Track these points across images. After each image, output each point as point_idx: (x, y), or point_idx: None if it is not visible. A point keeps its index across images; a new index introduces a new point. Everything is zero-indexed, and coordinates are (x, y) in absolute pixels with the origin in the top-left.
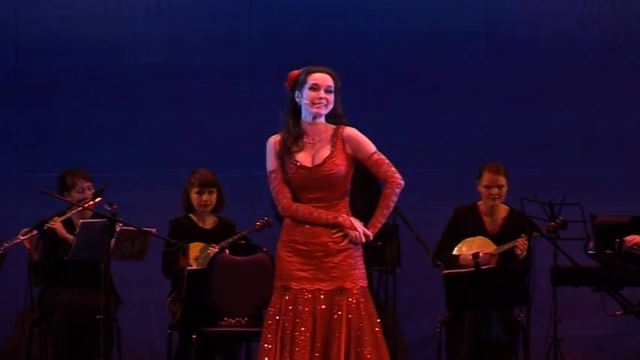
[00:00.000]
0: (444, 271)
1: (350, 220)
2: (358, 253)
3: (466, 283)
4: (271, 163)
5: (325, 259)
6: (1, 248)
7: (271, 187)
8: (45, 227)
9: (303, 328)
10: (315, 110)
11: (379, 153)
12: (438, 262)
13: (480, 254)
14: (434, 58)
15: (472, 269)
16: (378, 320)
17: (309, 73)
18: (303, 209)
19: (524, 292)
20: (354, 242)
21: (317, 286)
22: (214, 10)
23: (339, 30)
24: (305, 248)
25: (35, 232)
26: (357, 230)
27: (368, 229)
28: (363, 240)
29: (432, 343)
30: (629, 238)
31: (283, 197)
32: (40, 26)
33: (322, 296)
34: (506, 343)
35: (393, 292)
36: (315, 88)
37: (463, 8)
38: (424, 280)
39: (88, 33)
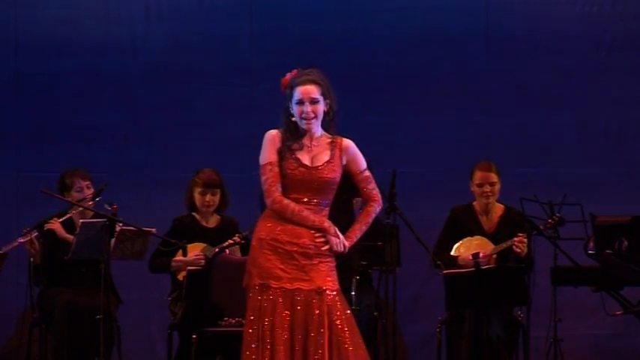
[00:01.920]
0: (444, 271)
1: (334, 228)
2: (332, 260)
3: (466, 283)
4: (269, 154)
5: (304, 261)
6: (1, 250)
7: (264, 178)
8: (44, 228)
9: (281, 330)
10: (305, 126)
11: (369, 171)
12: (439, 263)
13: (480, 254)
14: (434, 58)
15: (472, 269)
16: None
17: (293, 86)
18: (293, 206)
19: (524, 292)
20: (333, 250)
21: (296, 286)
22: (214, 10)
23: (339, 30)
24: (286, 248)
25: (35, 233)
26: (339, 238)
27: (345, 239)
28: (341, 249)
29: (432, 343)
30: None
31: (276, 190)
32: (40, 26)
33: (301, 296)
34: (506, 343)
35: (393, 292)
36: (300, 102)
37: (463, 8)
38: (424, 280)
39: (88, 33)
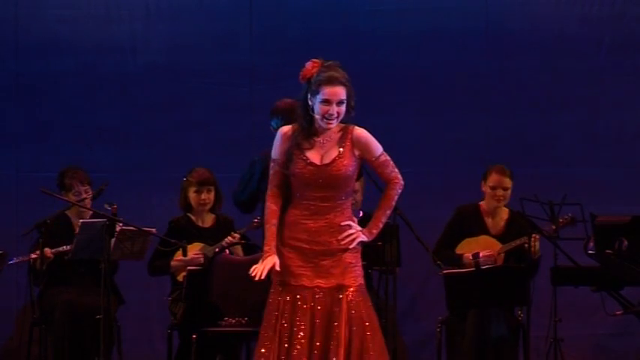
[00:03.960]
0: (445, 271)
1: (268, 254)
2: (357, 251)
3: (466, 283)
4: (276, 152)
5: (324, 258)
6: (12, 261)
7: (269, 173)
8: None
9: (301, 326)
10: (326, 124)
11: (385, 154)
12: (438, 262)
13: (480, 254)
14: (434, 58)
15: (472, 269)
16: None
17: (321, 84)
18: (268, 213)
19: (524, 292)
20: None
21: (316, 284)
22: (214, 10)
23: (339, 30)
24: (307, 247)
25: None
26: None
27: (371, 228)
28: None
29: (432, 343)
30: None
31: (272, 187)
32: (40, 26)
33: (321, 294)
34: (507, 343)
35: (393, 292)
36: (327, 102)
37: (463, 8)
38: (424, 280)
39: (88, 33)
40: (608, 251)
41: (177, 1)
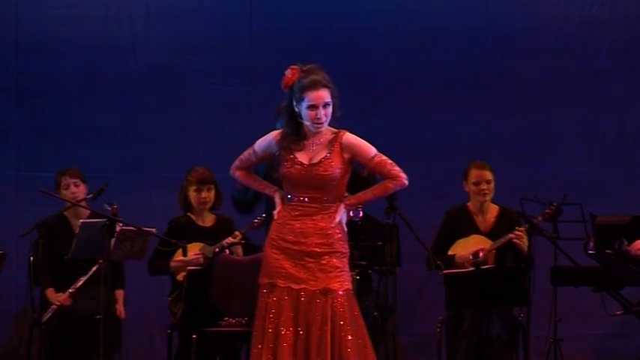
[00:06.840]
0: (445, 271)
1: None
2: (344, 257)
3: (466, 283)
4: (260, 146)
5: (311, 261)
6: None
7: (245, 153)
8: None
9: (286, 328)
10: (316, 129)
11: (380, 155)
12: (438, 262)
13: (480, 254)
14: (434, 58)
15: (472, 269)
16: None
17: (304, 90)
18: (243, 179)
19: (524, 292)
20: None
21: (303, 286)
22: (214, 10)
23: (339, 30)
24: (294, 248)
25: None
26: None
27: (349, 199)
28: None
29: (432, 343)
30: (635, 245)
31: (239, 166)
32: (40, 26)
33: (306, 296)
34: (507, 343)
35: (393, 292)
36: (313, 107)
37: (463, 8)
38: (424, 280)
39: (88, 33)
40: (608, 251)
41: (178, 2)
